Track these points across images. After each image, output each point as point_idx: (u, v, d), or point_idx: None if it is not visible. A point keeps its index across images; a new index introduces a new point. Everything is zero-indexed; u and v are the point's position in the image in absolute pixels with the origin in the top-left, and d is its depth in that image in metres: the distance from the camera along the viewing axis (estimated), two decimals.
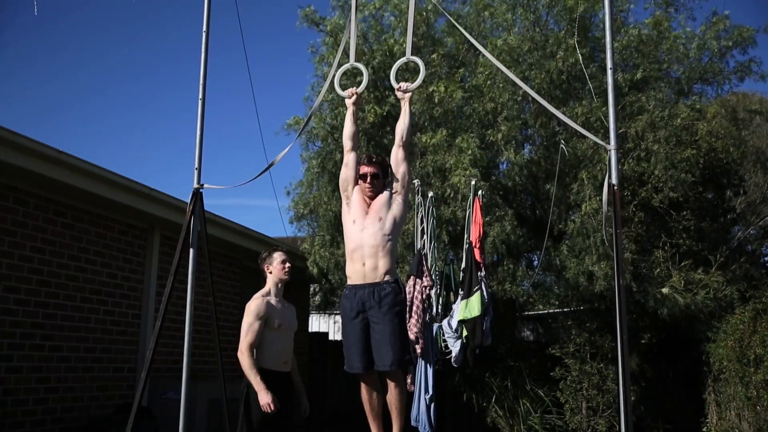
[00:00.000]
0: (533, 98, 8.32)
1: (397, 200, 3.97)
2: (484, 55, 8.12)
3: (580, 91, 8.19)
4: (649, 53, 8.27)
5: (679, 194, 7.90)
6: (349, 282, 3.96)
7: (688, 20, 8.79)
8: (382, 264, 3.85)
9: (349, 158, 4.08)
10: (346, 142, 4.13)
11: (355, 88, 4.24)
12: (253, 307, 4.30)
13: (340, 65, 4.58)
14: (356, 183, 4.04)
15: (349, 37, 4.52)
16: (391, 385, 3.84)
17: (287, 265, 4.50)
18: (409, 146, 4.06)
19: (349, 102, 4.18)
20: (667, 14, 8.60)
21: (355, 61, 4.46)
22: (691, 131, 8.15)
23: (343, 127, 4.24)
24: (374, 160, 4.00)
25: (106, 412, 6.68)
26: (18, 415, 5.82)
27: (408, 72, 6.56)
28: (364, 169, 3.98)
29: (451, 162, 7.66)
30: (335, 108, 8.52)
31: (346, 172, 4.07)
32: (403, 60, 4.42)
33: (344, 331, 3.93)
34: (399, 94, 4.14)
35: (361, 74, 4.37)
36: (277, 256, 4.50)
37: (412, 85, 4.15)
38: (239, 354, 4.21)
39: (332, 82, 4.44)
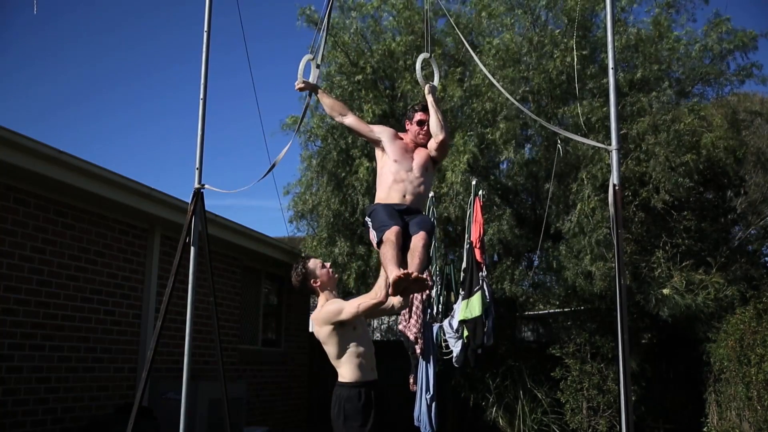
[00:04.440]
0: (533, 98, 8.37)
1: (432, 170, 4.05)
2: (483, 55, 8.14)
3: (581, 91, 8.19)
4: (649, 53, 8.25)
5: (675, 198, 7.89)
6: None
7: (689, 22, 8.77)
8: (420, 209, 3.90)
9: (352, 121, 4.11)
10: (336, 114, 4.14)
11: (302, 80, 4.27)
12: (335, 302, 3.76)
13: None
14: (377, 142, 4.02)
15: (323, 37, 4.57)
16: (419, 235, 3.61)
17: (329, 264, 3.97)
18: (443, 144, 3.99)
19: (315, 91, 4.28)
20: (668, 15, 8.58)
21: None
22: (692, 134, 8.13)
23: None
24: (425, 107, 4.07)
25: (107, 412, 6.68)
26: (18, 415, 5.82)
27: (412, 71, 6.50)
28: (420, 116, 4.04)
29: (448, 161, 7.66)
30: None
31: (362, 134, 4.15)
32: (421, 58, 4.43)
33: (379, 214, 3.70)
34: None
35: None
36: (316, 265, 3.87)
37: (431, 84, 4.12)
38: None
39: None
